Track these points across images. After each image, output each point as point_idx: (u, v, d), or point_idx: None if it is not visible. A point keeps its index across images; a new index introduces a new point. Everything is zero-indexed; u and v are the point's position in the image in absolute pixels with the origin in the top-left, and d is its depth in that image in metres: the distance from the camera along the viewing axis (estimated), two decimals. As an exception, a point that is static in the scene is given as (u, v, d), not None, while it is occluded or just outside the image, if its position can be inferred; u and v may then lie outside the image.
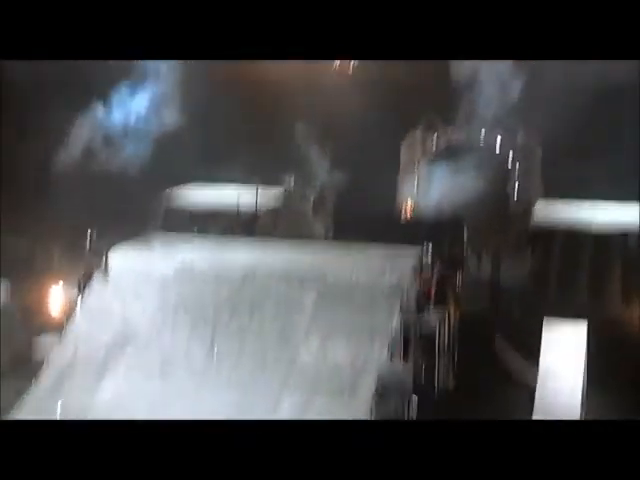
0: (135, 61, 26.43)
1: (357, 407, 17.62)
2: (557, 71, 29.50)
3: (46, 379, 18.67)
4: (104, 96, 26.49)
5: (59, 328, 20.33)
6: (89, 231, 21.34)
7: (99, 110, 26.04)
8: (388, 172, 28.58)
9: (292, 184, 27.11)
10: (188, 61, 28.81)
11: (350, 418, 17.32)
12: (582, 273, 22.55)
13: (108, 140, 26.25)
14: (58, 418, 17.66)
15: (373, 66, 31.39)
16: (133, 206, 24.25)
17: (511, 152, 29.22)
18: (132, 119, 26.47)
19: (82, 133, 25.96)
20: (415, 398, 18.66)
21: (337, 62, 31.16)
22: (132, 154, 26.05)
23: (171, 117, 26.79)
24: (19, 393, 18.45)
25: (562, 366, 17.81)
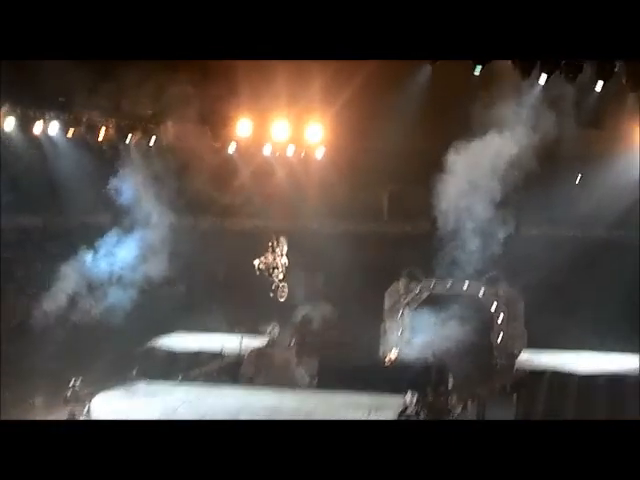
0: (123, 207, 26.91)
1: None
2: (539, 223, 30.16)
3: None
4: (91, 244, 26.79)
5: None
6: (72, 378, 21.23)
7: (86, 258, 26.27)
8: (372, 320, 28.75)
9: (276, 332, 27.18)
10: (173, 214, 29.31)
11: None
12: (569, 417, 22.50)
13: (94, 288, 26.39)
14: None
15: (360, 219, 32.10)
16: (117, 353, 24.19)
17: (494, 301, 29.51)
18: (118, 267, 26.69)
19: (67, 281, 26.12)
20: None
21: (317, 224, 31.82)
22: (118, 302, 26.17)
23: (158, 266, 27.04)
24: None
25: None
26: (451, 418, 22.43)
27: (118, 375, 22.52)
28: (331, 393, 21.33)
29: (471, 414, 23.97)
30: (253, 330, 27.15)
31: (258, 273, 27.10)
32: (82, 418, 20.29)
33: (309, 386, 24.88)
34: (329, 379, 24.13)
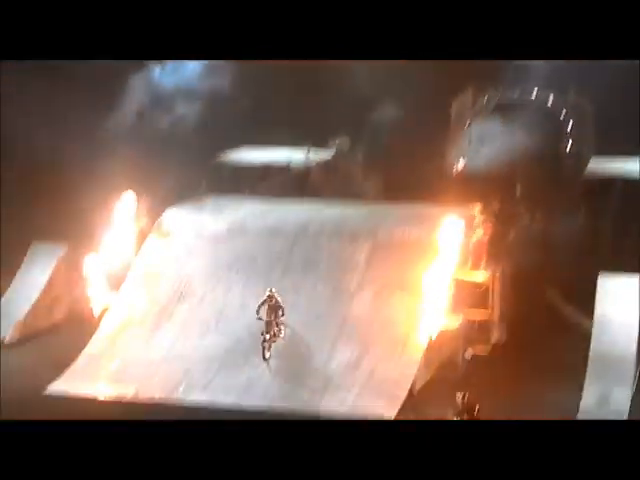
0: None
1: (409, 362, 17.73)
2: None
3: (103, 335, 18.99)
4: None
5: (116, 286, 20.62)
6: (142, 193, 21.53)
7: (153, 71, 26.13)
8: (439, 131, 28.42)
9: (343, 145, 27.07)
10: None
11: (402, 372, 17.42)
12: (635, 226, 22.35)
13: (161, 101, 26.35)
14: (115, 369, 17.98)
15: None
16: (185, 168, 24.36)
17: (563, 109, 28.95)
18: (185, 81, 26.51)
19: (135, 95, 26.08)
20: (469, 353, 18.74)
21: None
22: (185, 115, 26.13)
23: (223, 80, 26.81)
24: (77, 348, 18.76)
25: (616, 318, 17.75)
26: (518, 228, 22.42)
27: (187, 190, 22.75)
28: (397, 205, 21.41)
29: (538, 223, 23.98)
30: (321, 144, 27.02)
31: None
32: (152, 233, 20.75)
33: (375, 199, 24.97)
34: (395, 191, 24.18)
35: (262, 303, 17.83)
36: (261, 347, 17.63)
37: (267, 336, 17.68)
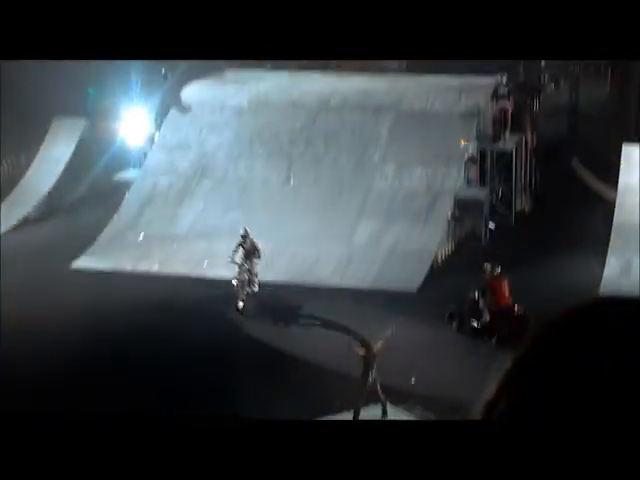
0: None
1: (433, 232, 17.75)
2: None
3: (127, 210, 19.08)
4: None
5: (139, 160, 20.64)
6: (163, 67, 21.32)
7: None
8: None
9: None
10: None
11: (425, 243, 17.44)
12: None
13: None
14: (140, 245, 18.07)
15: None
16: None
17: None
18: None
19: None
20: (493, 223, 18.68)
21: None
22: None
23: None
24: (101, 224, 18.86)
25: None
26: (541, 98, 22.10)
27: (208, 65, 22.47)
28: (421, 75, 21.10)
29: (563, 92, 23.67)
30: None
31: None
32: (173, 108, 20.61)
33: (399, 70, 24.65)
34: (418, 61, 23.81)
35: (237, 246, 15.72)
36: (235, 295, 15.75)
37: (240, 283, 15.61)
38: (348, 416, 12.02)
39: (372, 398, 12.32)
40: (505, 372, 0.98)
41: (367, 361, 12.26)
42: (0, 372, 13.08)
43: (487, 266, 15.02)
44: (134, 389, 12.81)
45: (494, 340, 14.35)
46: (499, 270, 15.02)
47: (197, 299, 15.93)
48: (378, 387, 12.20)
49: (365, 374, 12.20)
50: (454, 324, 15.00)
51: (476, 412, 0.98)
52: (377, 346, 12.36)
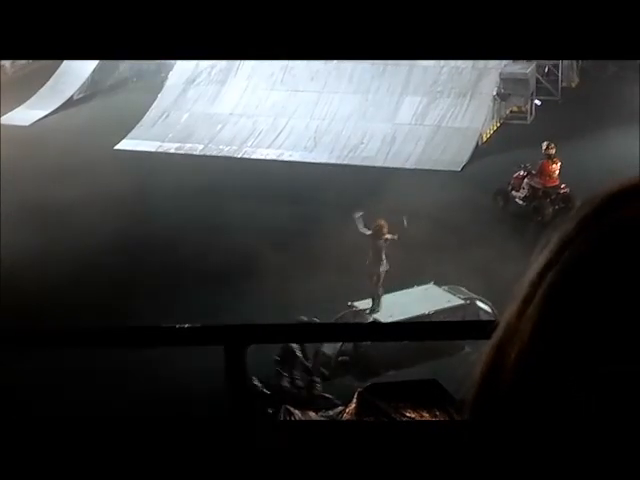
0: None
1: (479, 109, 17.60)
2: None
3: (170, 90, 19.04)
4: None
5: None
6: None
7: None
8: None
9: None
10: None
11: (471, 119, 17.34)
12: None
13: None
14: (184, 125, 18.05)
15: None
16: None
17: None
18: None
19: None
20: (539, 100, 18.45)
21: None
22: None
23: None
24: (146, 101, 18.85)
25: None
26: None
27: None
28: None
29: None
30: None
31: None
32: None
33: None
34: None
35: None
36: None
37: None
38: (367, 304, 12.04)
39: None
40: (551, 247, 0.93)
41: (377, 245, 12.15)
42: (41, 257, 13.31)
43: (544, 144, 14.89)
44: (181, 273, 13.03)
45: (539, 219, 14.36)
46: (553, 151, 14.88)
47: (242, 180, 16.00)
48: (381, 275, 12.05)
49: (376, 259, 12.10)
50: (500, 202, 14.97)
51: (520, 288, 0.96)
52: (392, 229, 12.24)
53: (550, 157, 14.72)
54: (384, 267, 12.00)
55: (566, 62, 19.19)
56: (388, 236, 12.12)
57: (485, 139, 17.42)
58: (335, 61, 18.63)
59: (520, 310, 0.93)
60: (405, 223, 12.53)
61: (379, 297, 11.91)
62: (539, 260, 0.93)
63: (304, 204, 15.05)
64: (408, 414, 7.04)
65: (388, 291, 12.07)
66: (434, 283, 12.34)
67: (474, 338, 2.23)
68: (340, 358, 11.10)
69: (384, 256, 12.02)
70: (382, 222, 12.20)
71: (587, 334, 0.87)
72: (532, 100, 18.21)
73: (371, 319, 11.41)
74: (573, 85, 19.42)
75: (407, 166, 16.46)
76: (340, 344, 10.78)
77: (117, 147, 17.60)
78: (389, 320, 10.80)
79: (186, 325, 2.51)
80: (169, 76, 19.38)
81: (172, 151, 17.49)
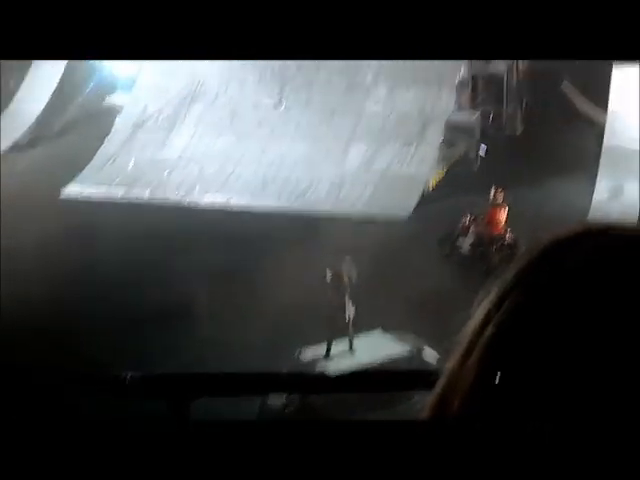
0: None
1: (425, 156, 17.73)
2: None
3: (118, 135, 18.96)
4: None
5: (130, 83, 20.41)
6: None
7: None
8: None
9: None
10: None
11: (417, 166, 17.44)
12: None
13: None
14: (130, 170, 18.00)
15: None
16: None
17: None
18: None
19: None
20: (484, 146, 18.61)
21: None
22: None
23: None
24: (93, 145, 18.72)
25: (630, 111, 17.56)
26: None
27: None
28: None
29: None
30: None
31: None
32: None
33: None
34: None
35: None
36: None
37: None
38: (321, 349, 12.02)
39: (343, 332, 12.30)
40: (491, 297, 0.95)
41: (339, 291, 12.20)
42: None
43: (492, 191, 15.00)
44: (123, 316, 12.90)
45: (485, 267, 14.42)
46: (501, 198, 15.00)
47: (188, 226, 15.91)
48: (349, 319, 12.15)
49: (338, 303, 12.17)
50: (446, 249, 15.03)
51: (463, 338, 0.98)
52: (349, 274, 12.31)
53: (497, 204, 14.84)
54: (349, 312, 12.05)
55: (510, 110, 19.43)
56: (347, 280, 12.18)
57: (432, 186, 17.51)
58: (283, 106, 18.70)
59: (462, 359, 0.94)
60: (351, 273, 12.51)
61: (338, 342, 11.96)
62: (480, 310, 0.95)
63: (250, 250, 15.00)
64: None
65: (338, 337, 12.07)
66: (381, 329, 12.32)
67: (420, 389, 2.21)
68: (286, 410, 11.02)
69: (347, 302, 12.07)
70: (339, 269, 12.30)
71: (525, 385, 0.88)
72: (478, 148, 18.36)
73: (321, 368, 11.37)
74: (517, 133, 19.64)
75: (355, 211, 16.50)
76: (286, 395, 10.74)
77: (63, 192, 17.44)
78: (337, 368, 10.75)
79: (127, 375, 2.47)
80: (117, 120, 19.31)
81: (119, 196, 17.36)
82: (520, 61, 19.97)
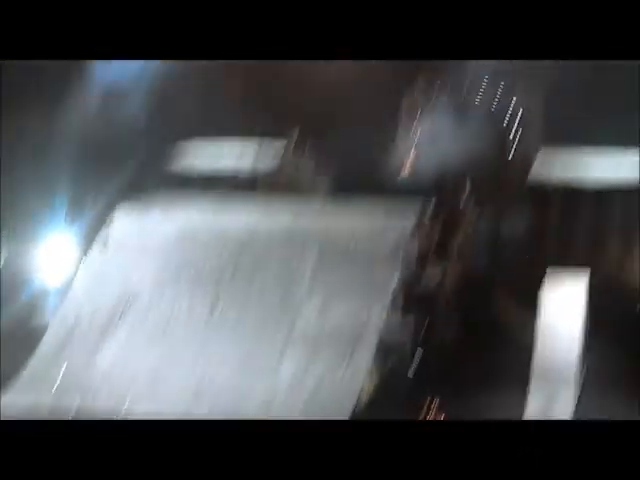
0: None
1: (358, 368, 17.75)
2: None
3: (47, 345, 18.80)
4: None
5: (61, 291, 20.41)
6: (87, 198, 21.31)
7: (95, 71, 25.85)
8: (388, 128, 28.43)
9: (293, 138, 26.94)
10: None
11: (352, 375, 17.46)
12: (582, 225, 22.53)
13: (106, 99, 26.08)
14: (58, 384, 17.81)
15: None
16: (133, 172, 24.11)
17: (511, 103, 29.07)
18: (129, 74, 26.18)
19: (80, 92, 25.80)
20: (418, 356, 18.74)
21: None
22: (130, 112, 25.89)
23: (170, 69, 26.54)
24: (18, 361, 18.54)
25: (562, 320, 17.86)
26: (466, 227, 22.51)
27: (133, 195, 22.52)
28: (346, 207, 21.35)
29: (487, 221, 24.05)
30: (272, 135, 26.80)
31: None
32: (97, 240, 20.50)
33: (325, 200, 24.93)
34: (344, 191, 24.15)
35: None
36: None
37: None
38: None
39: None
40: None
41: None
42: None
43: (427, 400, 15.09)
44: None
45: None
46: (435, 408, 15.06)
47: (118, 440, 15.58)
48: None
49: None
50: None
51: None
52: None
53: (431, 413, 14.82)
54: None
55: (444, 318, 19.65)
56: None
57: (368, 393, 17.52)
58: (217, 317, 18.73)
59: None
60: None
61: None
62: None
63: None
64: None
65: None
66: None
67: None
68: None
69: None
70: None
71: None
72: (412, 357, 18.47)
73: None
74: (451, 341, 19.78)
75: (291, 418, 16.39)
76: None
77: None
78: None
79: None
80: (48, 330, 19.18)
81: (45, 415, 17.12)
82: (454, 270, 20.33)
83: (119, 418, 16.81)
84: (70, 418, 16.97)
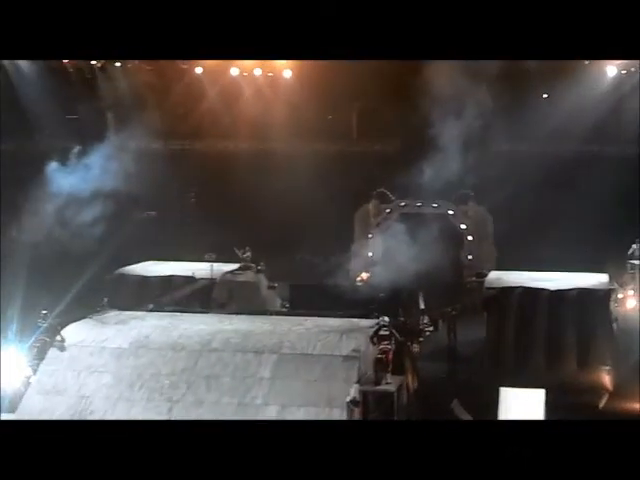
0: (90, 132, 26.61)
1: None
2: (508, 139, 30.10)
3: None
4: (61, 169, 26.61)
5: (14, 405, 20.03)
6: (43, 308, 21.14)
7: (55, 183, 26.05)
8: (342, 243, 28.77)
9: (248, 256, 27.12)
10: (141, 138, 29.11)
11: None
12: (537, 336, 22.74)
13: (62, 216, 26.19)
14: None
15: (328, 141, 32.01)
16: (87, 281, 24.06)
17: (464, 220, 29.57)
18: (87, 195, 26.40)
19: (37, 209, 25.94)
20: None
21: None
22: (87, 228, 25.98)
23: (126, 191, 26.84)
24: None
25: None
26: (422, 338, 22.60)
27: (89, 304, 22.42)
28: (302, 318, 21.36)
29: (442, 334, 24.17)
30: (225, 255, 27.07)
31: None
32: (54, 347, 20.27)
33: (280, 309, 24.95)
34: (300, 301, 24.20)
35: None
36: None
37: None
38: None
39: None
40: None
41: None
42: None
43: None
44: None
45: None
46: None
47: None
48: None
49: None
50: None
51: None
52: None
53: None
54: None
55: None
56: None
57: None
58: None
59: None
60: None
61: None
62: None
63: None
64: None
65: None
66: None
67: None
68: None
69: None
70: None
71: None
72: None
73: None
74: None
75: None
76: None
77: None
78: None
79: None
80: None
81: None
82: (411, 380, 20.31)
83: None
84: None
